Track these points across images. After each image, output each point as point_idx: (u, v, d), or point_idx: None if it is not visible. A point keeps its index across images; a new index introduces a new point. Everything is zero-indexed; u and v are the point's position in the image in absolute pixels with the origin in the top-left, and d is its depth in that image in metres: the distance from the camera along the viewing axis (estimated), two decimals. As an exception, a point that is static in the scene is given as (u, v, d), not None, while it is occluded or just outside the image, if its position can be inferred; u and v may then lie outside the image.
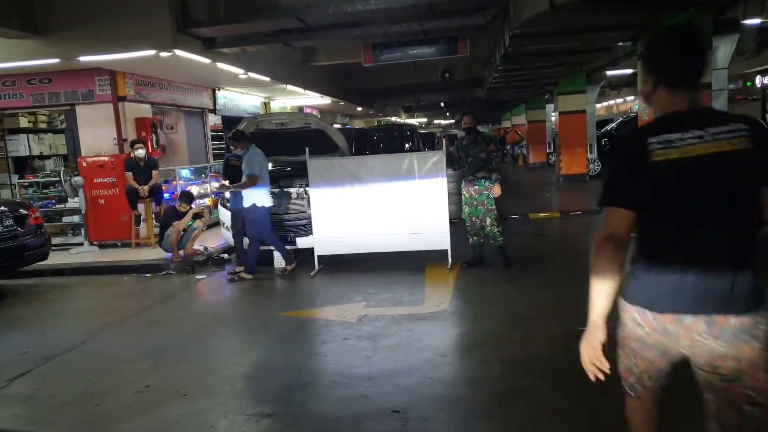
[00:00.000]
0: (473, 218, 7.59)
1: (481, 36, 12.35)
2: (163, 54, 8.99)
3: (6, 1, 8.12)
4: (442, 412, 3.78)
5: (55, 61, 9.26)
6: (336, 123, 24.64)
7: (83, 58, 9.20)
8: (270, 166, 10.31)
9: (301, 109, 20.03)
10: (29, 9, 8.66)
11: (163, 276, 8.52)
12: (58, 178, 10.25)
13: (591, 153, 18.23)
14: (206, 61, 10.01)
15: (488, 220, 7.53)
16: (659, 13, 8.79)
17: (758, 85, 17.68)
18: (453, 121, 56.52)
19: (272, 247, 8.09)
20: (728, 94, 10.56)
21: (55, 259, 8.97)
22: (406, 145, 14.13)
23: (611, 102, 29.95)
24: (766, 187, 2.06)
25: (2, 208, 7.77)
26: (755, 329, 2.03)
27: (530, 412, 3.70)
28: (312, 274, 7.86)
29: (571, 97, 18.08)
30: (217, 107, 14.60)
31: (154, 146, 11.08)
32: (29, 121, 12.69)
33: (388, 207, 7.80)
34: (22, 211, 8.01)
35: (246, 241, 8.13)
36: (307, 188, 8.20)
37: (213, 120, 15.13)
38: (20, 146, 12.05)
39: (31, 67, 9.81)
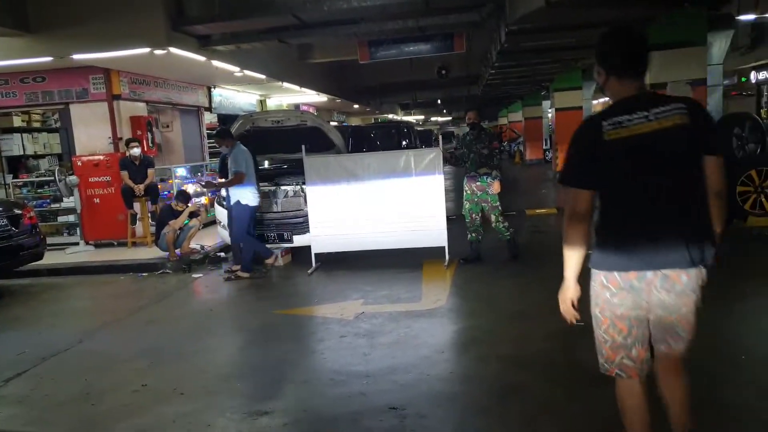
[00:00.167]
0: (473, 214, 7.59)
1: (477, 33, 12.34)
2: (158, 52, 8.95)
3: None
4: (440, 409, 3.78)
5: (48, 59, 9.20)
6: (332, 120, 24.62)
7: (77, 57, 9.15)
8: (266, 164, 10.35)
9: (297, 106, 19.98)
10: (21, 7, 8.61)
11: (160, 275, 8.50)
12: (52, 178, 10.19)
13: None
14: (201, 58, 9.96)
15: (493, 217, 7.54)
16: (654, 9, 8.80)
17: (753, 81, 17.71)
18: (450, 118, 56.61)
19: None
20: (723, 89, 10.58)
21: (50, 258, 8.93)
22: (403, 143, 14.14)
23: (608, 98, 29.89)
24: (705, 154, 2.42)
25: (-3, 208, 7.74)
26: (696, 283, 2.45)
27: (528, 409, 3.69)
28: (309, 272, 7.85)
29: (568, 93, 18.09)
30: (213, 105, 14.56)
31: (150, 145, 11.03)
32: (23, 120, 12.64)
33: (385, 204, 7.79)
34: (17, 211, 7.97)
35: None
36: (303, 186, 8.18)
37: (209, 118, 15.07)
38: (14, 145, 11.95)
39: (24, 66, 9.75)
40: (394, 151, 9.55)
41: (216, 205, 9.28)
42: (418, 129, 27.64)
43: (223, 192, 8.40)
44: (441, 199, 7.73)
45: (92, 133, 10.64)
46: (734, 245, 7.61)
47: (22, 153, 12.15)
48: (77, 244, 10.28)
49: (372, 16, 9.64)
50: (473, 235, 7.68)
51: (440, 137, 8.90)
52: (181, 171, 12.14)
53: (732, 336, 4.80)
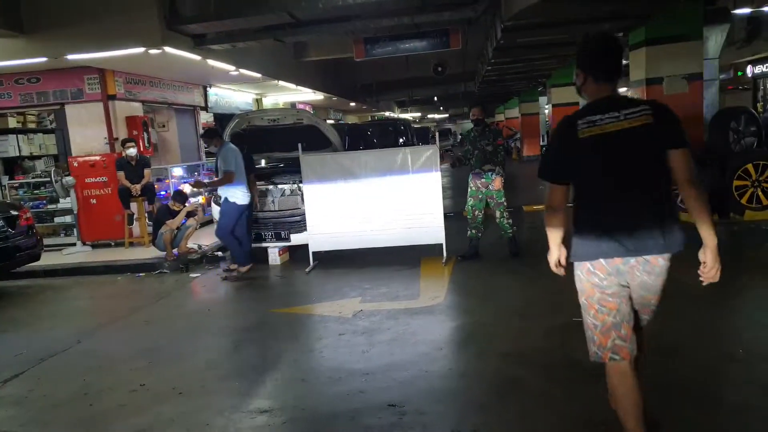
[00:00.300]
0: (476, 211, 7.60)
1: (473, 29, 12.31)
2: (153, 51, 8.92)
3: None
4: (439, 406, 3.77)
5: (43, 60, 9.16)
6: (329, 119, 24.60)
7: (71, 57, 9.12)
8: (263, 162, 10.33)
9: (293, 105, 19.96)
10: (15, 7, 8.56)
11: (158, 275, 8.49)
12: (48, 179, 10.17)
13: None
14: (196, 58, 9.94)
15: (498, 213, 7.55)
16: (651, 4, 8.79)
17: (749, 75, 17.72)
18: (447, 115, 56.65)
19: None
20: (719, 83, 10.59)
21: (47, 259, 8.92)
22: (400, 140, 14.13)
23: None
24: (668, 149, 2.64)
25: (-7, 209, 7.72)
26: (668, 266, 2.74)
27: (526, 405, 3.69)
28: (307, 270, 7.84)
29: (565, 89, 18.09)
30: (209, 104, 14.52)
31: (146, 145, 11.02)
32: (18, 122, 12.58)
33: (383, 202, 7.78)
34: (13, 213, 7.94)
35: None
36: (300, 184, 8.17)
37: (205, 117, 15.05)
38: (9, 147, 11.94)
39: (19, 67, 9.71)
40: (391, 148, 9.54)
41: (213, 204, 9.26)
42: (415, 126, 27.61)
43: (220, 191, 8.38)
44: (438, 197, 7.73)
45: (88, 133, 10.62)
46: (732, 239, 7.64)
47: (17, 154, 12.12)
48: (74, 244, 10.26)
49: (367, 13, 9.62)
50: (473, 232, 7.68)
51: (437, 134, 8.88)
52: (178, 171, 12.12)
53: (730, 330, 4.82)
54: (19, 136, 12.26)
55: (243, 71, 12.03)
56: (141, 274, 8.57)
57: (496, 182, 7.43)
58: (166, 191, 10.82)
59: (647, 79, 9.66)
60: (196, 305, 7.20)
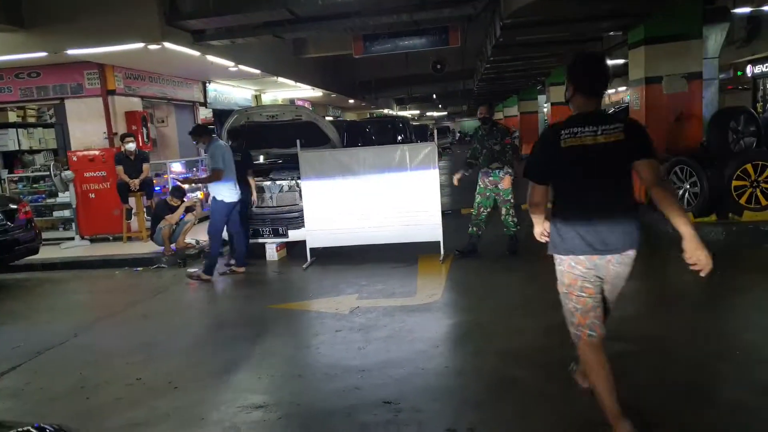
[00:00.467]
0: (480, 208, 7.62)
1: (472, 27, 12.32)
2: (152, 47, 8.92)
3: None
4: (435, 403, 3.78)
5: (43, 54, 9.17)
6: (328, 115, 24.59)
7: (71, 52, 9.12)
8: (261, 158, 10.33)
9: (292, 101, 19.96)
10: (15, 2, 8.57)
11: (155, 270, 8.49)
12: (48, 173, 10.18)
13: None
14: (196, 53, 9.94)
15: (504, 209, 7.58)
16: (649, 2, 8.78)
17: (749, 75, 17.72)
18: (446, 113, 56.60)
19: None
20: (719, 83, 10.59)
21: (45, 253, 8.93)
22: (399, 137, 14.12)
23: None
24: (636, 160, 3.00)
25: (-9, 203, 7.73)
26: (632, 258, 3.17)
27: (523, 403, 3.70)
28: (304, 266, 7.85)
29: (564, 87, 18.05)
30: (208, 100, 14.53)
31: (145, 140, 11.03)
32: (18, 116, 12.61)
33: (381, 199, 7.79)
34: (12, 206, 7.96)
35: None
36: (298, 180, 8.17)
37: (204, 113, 15.05)
38: (9, 141, 11.96)
39: (19, 61, 9.73)
40: (390, 145, 9.53)
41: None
42: (414, 124, 27.60)
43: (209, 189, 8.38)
44: (436, 194, 7.74)
45: (87, 128, 10.63)
46: (730, 239, 7.66)
47: (17, 148, 12.13)
48: (72, 238, 10.26)
49: (366, 10, 9.62)
50: (473, 229, 7.70)
51: (436, 132, 8.88)
52: (177, 166, 12.11)
53: (728, 331, 4.82)
54: (19, 130, 12.28)
55: (242, 67, 12.03)
56: (139, 269, 8.58)
57: (506, 181, 7.44)
58: (162, 187, 10.81)
59: (646, 78, 9.66)
60: (193, 300, 7.20)
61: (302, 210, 8.06)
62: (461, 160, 7.71)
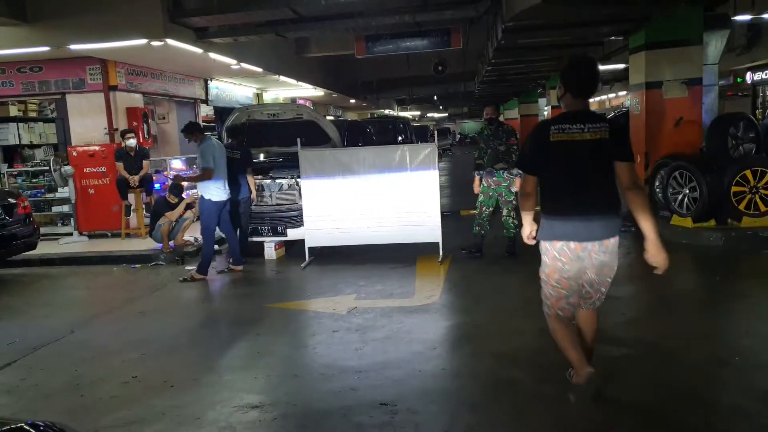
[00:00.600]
0: (483, 207, 7.63)
1: (474, 29, 12.33)
2: (155, 43, 8.92)
3: (-6, -12, 8.04)
4: (431, 405, 3.77)
5: (45, 49, 9.16)
6: (329, 115, 24.59)
7: (74, 47, 9.12)
8: (261, 156, 10.32)
9: (293, 100, 19.96)
10: (19, -4, 8.57)
11: (153, 267, 8.49)
12: (47, 168, 10.17)
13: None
14: (198, 50, 9.94)
15: (505, 210, 7.58)
16: (651, 8, 8.79)
17: (749, 81, 17.73)
18: (446, 114, 56.61)
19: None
20: (719, 89, 10.60)
21: (43, 248, 8.92)
22: (399, 138, 14.14)
23: (604, 97, 30.01)
24: (617, 160, 3.34)
25: (-10, 197, 7.72)
26: (617, 247, 3.45)
27: (520, 405, 3.70)
28: (302, 266, 7.84)
29: (561, 90, 18.05)
30: (210, 98, 14.52)
31: (146, 136, 11.02)
32: (19, 110, 12.59)
33: (380, 199, 7.78)
34: (11, 200, 7.96)
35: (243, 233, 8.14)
36: (298, 179, 8.17)
37: (205, 111, 15.04)
38: (10, 135, 11.94)
39: (21, 55, 9.72)
40: (390, 145, 9.53)
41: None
42: (415, 125, 27.62)
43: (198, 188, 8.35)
44: (436, 195, 7.74)
45: (88, 123, 10.62)
46: (729, 246, 7.66)
47: (17, 142, 12.12)
48: (71, 234, 10.25)
49: (369, 11, 9.62)
50: (477, 228, 7.71)
51: (436, 133, 8.89)
52: (177, 163, 12.11)
53: (727, 336, 4.83)
54: (20, 124, 12.27)
55: (244, 65, 12.03)
56: (137, 266, 8.57)
57: (516, 183, 7.42)
58: (161, 183, 10.81)
59: (647, 83, 9.66)
60: (190, 298, 7.18)
61: (301, 209, 8.05)
62: (467, 165, 7.70)
